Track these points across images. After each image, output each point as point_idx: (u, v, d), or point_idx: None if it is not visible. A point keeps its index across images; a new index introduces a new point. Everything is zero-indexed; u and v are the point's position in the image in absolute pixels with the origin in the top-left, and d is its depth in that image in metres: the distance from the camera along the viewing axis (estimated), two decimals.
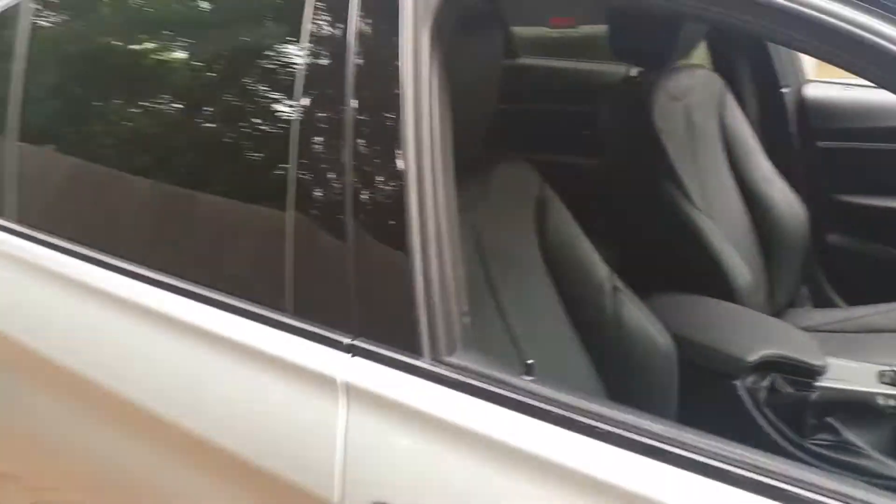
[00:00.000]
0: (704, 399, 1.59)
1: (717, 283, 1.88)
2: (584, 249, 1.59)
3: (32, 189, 1.46)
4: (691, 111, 2.12)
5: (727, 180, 2.19)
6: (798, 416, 1.61)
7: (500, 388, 0.92)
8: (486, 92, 1.40)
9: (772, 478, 0.77)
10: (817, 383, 1.65)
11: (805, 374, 1.66)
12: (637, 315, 1.57)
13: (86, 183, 1.44)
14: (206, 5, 1.38)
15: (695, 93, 2.14)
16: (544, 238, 1.59)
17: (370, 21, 1.03)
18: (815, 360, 1.67)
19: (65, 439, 1.31)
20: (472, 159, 1.51)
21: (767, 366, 1.65)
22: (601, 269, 1.59)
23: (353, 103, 1.02)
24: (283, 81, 1.12)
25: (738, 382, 1.63)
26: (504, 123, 1.85)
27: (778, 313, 2.17)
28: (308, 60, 1.07)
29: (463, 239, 1.35)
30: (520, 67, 2.58)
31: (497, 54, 1.43)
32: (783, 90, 2.33)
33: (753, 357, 1.62)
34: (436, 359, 0.96)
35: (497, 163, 1.57)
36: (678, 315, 1.70)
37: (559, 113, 2.40)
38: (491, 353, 1.00)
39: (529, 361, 0.96)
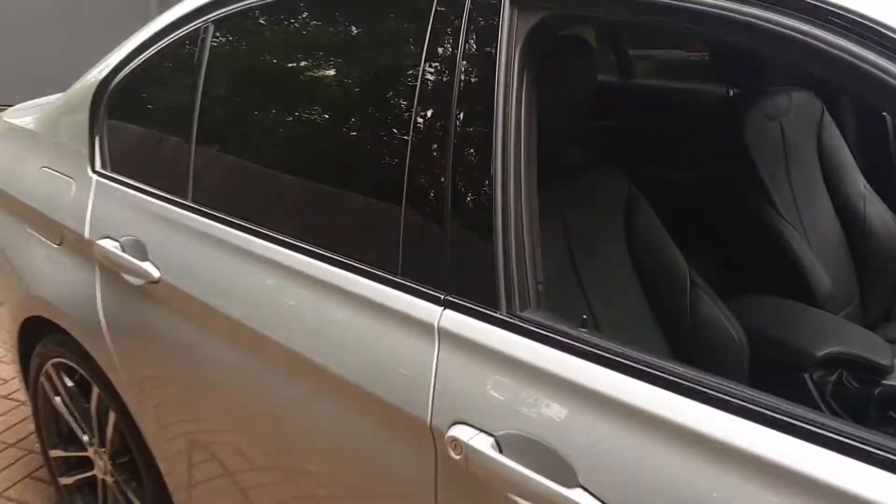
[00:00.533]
0: (772, 390, 1.78)
1: (797, 289, 2.03)
2: (668, 246, 1.79)
3: (202, 177, 1.80)
4: (787, 130, 2.28)
5: (821, 195, 2.32)
6: (862, 411, 1.75)
7: (560, 336, 1.16)
8: (575, 107, 1.64)
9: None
10: (884, 381, 1.78)
11: (872, 371, 1.80)
12: (712, 308, 1.76)
13: (243, 173, 1.77)
14: (343, 34, 1.68)
15: (791, 113, 2.30)
16: (631, 234, 1.81)
17: (475, 44, 1.29)
18: (883, 360, 1.80)
19: (224, 372, 1.63)
20: (566, 165, 1.76)
21: (836, 362, 1.79)
22: (682, 265, 1.78)
23: (458, 114, 1.28)
24: (403, 95, 1.39)
25: (805, 375, 1.79)
26: (610, 136, 2.07)
27: (870, 326, 2.28)
28: (425, 77, 1.34)
29: (549, 228, 1.60)
30: (631, 87, 2.79)
31: (585, 74, 1.67)
32: (884, 112, 2.44)
33: (821, 351, 1.78)
34: (510, 313, 1.21)
35: (591, 169, 1.80)
36: (755, 313, 1.87)
37: (663, 128, 2.60)
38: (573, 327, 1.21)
39: (584, 316, 1.19)
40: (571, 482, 1.09)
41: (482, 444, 1.17)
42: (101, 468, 2.23)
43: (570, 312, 1.31)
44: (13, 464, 2.88)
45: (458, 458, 1.19)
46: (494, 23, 1.26)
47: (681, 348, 1.77)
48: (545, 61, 1.31)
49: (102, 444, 2.18)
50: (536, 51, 1.27)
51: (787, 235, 2.03)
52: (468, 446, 1.17)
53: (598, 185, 1.78)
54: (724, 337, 1.74)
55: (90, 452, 2.26)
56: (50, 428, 2.41)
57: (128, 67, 2.01)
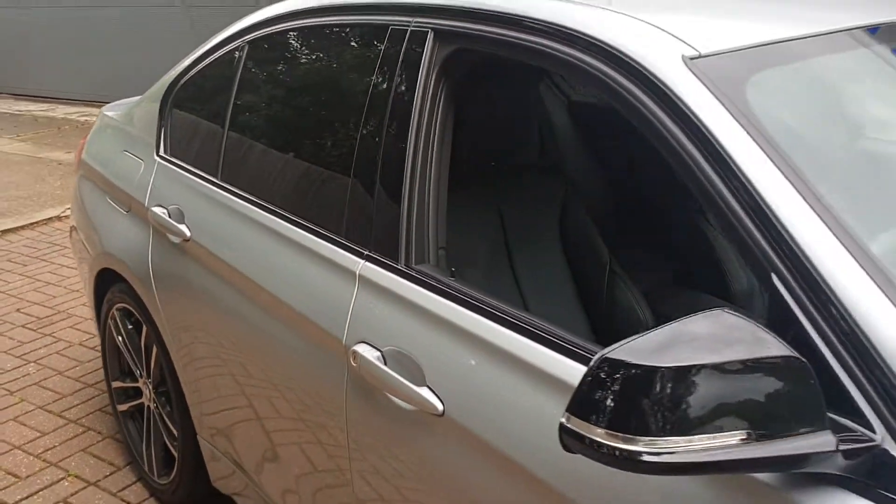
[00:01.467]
0: None
1: (717, 285, 2.34)
2: (594, 238, 2.17)
3: (228, 161, 2.29)
4: None
5: None
6: None
7: (436, 283, 1.57)
8: (506, 120, 2.05)
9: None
10: None
11: None
12: (625, 293, 2.12)
13: (255, 159, 2.25)
14: (326, 59, 2.14)
15: None
16: (564, 227, 2.20)
17: (406, 65, 1.72)
18: None
19: (227, 309, 2.11)
20: (508, 166, 2.17)
21: None
22: (604, 255, 2.16)
23: (389, 118, 1.72)
24: (358, 103, 1.83)
25: None
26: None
27: None
28: (373, 91, 1.78)
29: (485, 217, 2.02)
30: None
31: (509, 95, 2.08)
32: None
33: None
34: (407, 265, 1.63)
35: (531, 170, 2.20)
36: (669, 302, 2.21)
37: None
38: (498, 296, 1.58)
39: (452, 269, 1.61)
40: (421, 383, 1.50)
41: (371, 356, 1.60)
42: (147, 396, 2.75)
43: (498, 285, 1.71)
44: (89, 400, 3.46)
45: (355, 366, 1.63)
46: (420, 51, 1.70)
47: (597, 324, 2.14)
48: (468, 83, 1.74)
49: (149, 375, 2.70)
50: (451, 73, 1.70)
51: (710, 236, 2.32)
52: (362, 357, 1.61)
53: (536, 183, 2.18)
54: (632, 317, 2.10)
55: (140, 383, 2.79)
56: (113, 363, 2.96)
57: (187, 75, 2.55)
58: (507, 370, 1.39)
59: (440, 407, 1.46)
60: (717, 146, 1.21)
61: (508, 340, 1.40)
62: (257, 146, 2.25)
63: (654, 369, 0.96)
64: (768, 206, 1.14)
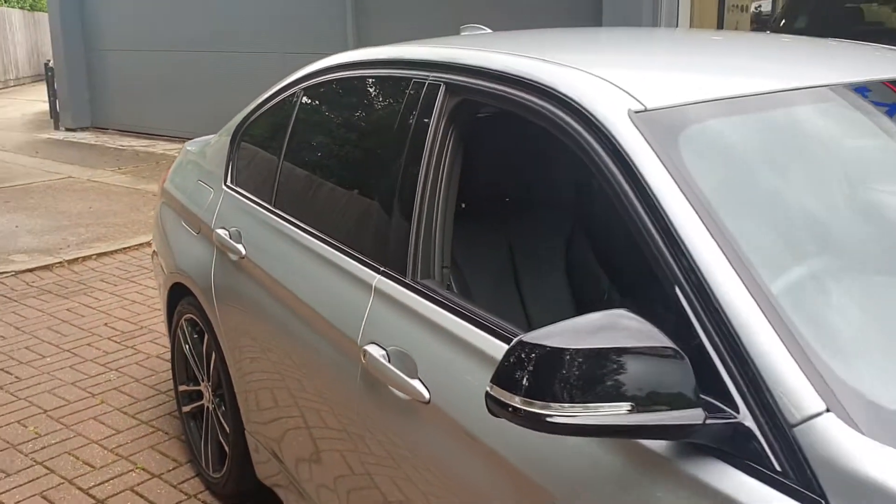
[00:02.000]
0: None
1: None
2: (594, 268, 2.43)
3: (282, 190, 2.63)
4: None
5: None
6: None
7: (434, 294, 1.86)
8: (508, 162, 2.34)
9: None
10: None
11: None
12: None
13: (302, 190, 2.59)
14: (364, 113, 2.48)
15: None
16: (569, 259, 2.46)
17: (420, 112, 2.03)
18: None
19: (273, 319, 2.44)
20: (513, 199, 2.46)
21: None
22: (604, 283, 2.41)
23: (405, 156, 2.03)
24: (383, 145, 2.16)
25: None
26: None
27: None
28: (395, 134, 2.10)
29: (495, 248, 2.31)
30: None
31: (505, 139, 2.37)
32: None
33: None
34: (413, 279, 1.93)
35: (537, 207, 2.48)
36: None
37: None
38: (504, 316, 1.84)
39: (449, 283, 1.89)
40: (413, 375, 1.79)
41: (377, 354, 1.89)
42: (207, 398, 3.10)
43: (505, 306, 1.98)
44: (160, 405, 3.84)
45: (364, 363, 1.92)
46: (433, 101, 2.01)
47: None
48: (476, 128, 2.05)
49: (209, 379, 3.05)
50: (459, 119, 2.00)
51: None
52: (370, 355, 1.90)
53: (543, 219, 2.46)
54: None
55: (202, 386, 3.15)
56: (180, 369, 3.33)
57: (253, 116, 2.93)
58: (481, 365, 1.66)
59: (427, 395, 1.74)
60: (647, 189, 1.46)
61: (485, 341, 1.68)
62: (303, 177, 2.60)
63: (562, 350, 1.22)
64: (679, 236, 1.39)
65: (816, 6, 7.88)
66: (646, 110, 1.59)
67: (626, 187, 1.49)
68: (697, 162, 1.54)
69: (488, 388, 1.28)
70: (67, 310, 5.13)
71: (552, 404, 1.22)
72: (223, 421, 2.96)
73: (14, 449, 3.48)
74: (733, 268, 1.34)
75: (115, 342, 4.60)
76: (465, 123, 2.01)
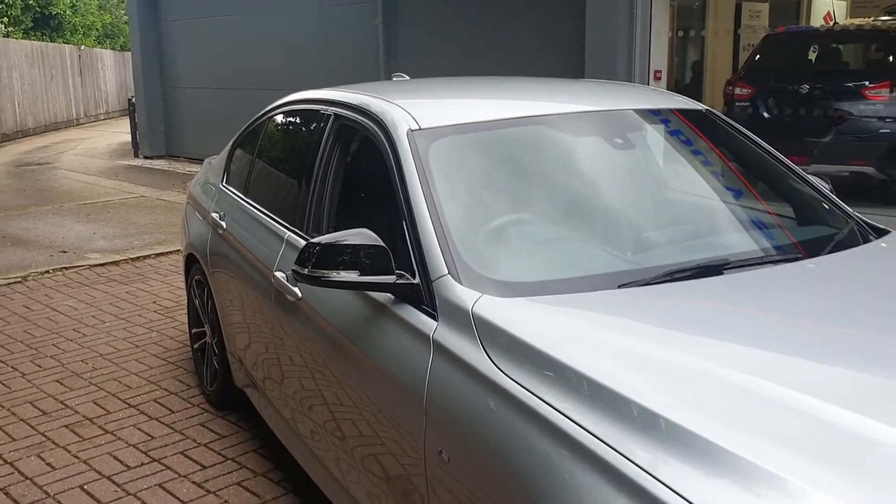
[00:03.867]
0: None
1: None
2: (370, 212, 3.62)
3: (251, 184, 3.91)
4: None
5: None
6: None
7: (307, 238, 3.09)
8: (358, 158, 3.59)
9: None
10: None
11: None
12: None
13: (265, 184, 3.86)
14: (295, 132, 3.74)
15: None
16: (368, 208, 3.67)
17: (321, 132, 3.28)
18: None
19: (244, 274, 3.71)
20: (363, 182, 3.68)
21: None
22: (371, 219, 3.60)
23: (315, 161, 3.28)
24: (305, 155, 3.41)
25: None
26: None
27: None
28: (311, 149, 3.35)
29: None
30: None
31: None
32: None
33: None
34: (308, 234, 3.16)
35: (366, 183, 3.71)
36: None
37: None
38: None
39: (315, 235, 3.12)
40: (295, 285, 3.01)
41: (280, 276, 3.12)
42: (208, 334, 4.38)
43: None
44: (183, 355, 5.15)
45: (274, 283, 3.16)
46: (327, 124, 3.26)
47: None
48: (348, 140, 3.29)
49: (207, 320, 4.33)
50: (339, 135, 3.24)
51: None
52: (276, 277, 3.14)
53: (365, 191, 3.67)
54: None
55: (206, 328, 4.43)
56: (192, 316, 4.63)
57: (243, 134, 4.24)
58: None
59: (299, 294, 2.96)
60: (403, 172, 2.65)
61: None
62: (260, 173, 3.88)
63: (328, 244, 2.43)
64: (410, 195, 2.57)
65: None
66: (419, 129, 2.80)
67: (395, 170, 2.70)
68: (436, 157, 2.73)
69: (294, 266, 2.50)
70: (126, 292, 6.52)
71: (323, 271, 2.43)
72: (215, 348, 4.23)
73: (77, 376, 4.81)
74: (430, 213, 2.52)
75: (159, 314, 5.95)
76: (342, 137, 3.24)
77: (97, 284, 6.79)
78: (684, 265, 2.42)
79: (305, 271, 2.44)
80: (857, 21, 11.26)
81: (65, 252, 7.94)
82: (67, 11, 28.11)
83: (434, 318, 2.28)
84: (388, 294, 2.47)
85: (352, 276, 2.42)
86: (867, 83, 7.72)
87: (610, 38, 8.12)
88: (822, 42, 8.88)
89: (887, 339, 2.10)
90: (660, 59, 8.37)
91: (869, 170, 7.87)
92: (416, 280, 2.41)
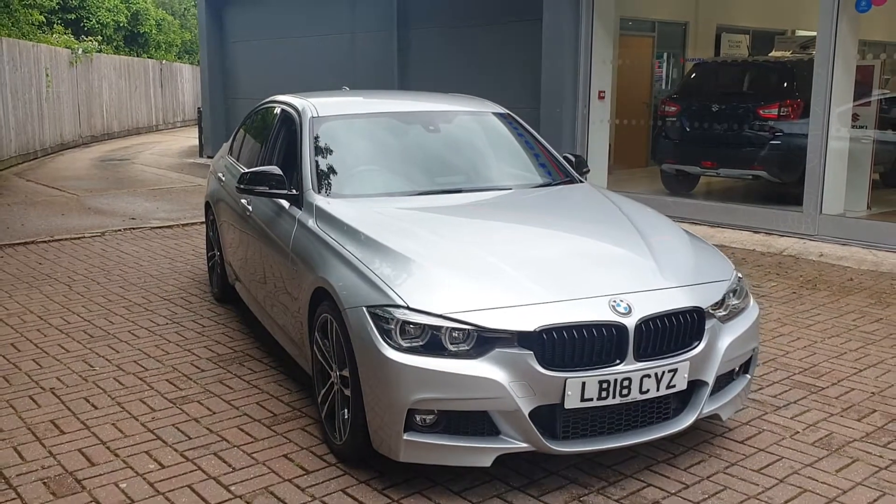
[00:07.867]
0: None
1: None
2: (283, 160, 5.86)
3: (241, 149, 6.20)
4: None
5: None
6: None
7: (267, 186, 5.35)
8: (289, 136, 5.86)
9: None
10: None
11: None
12: None
13: (245, 150, 6.14)
14: (264, 122, 5.99)
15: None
16: (283, 159, 5.92)
17: (274, 120, 5.53)
18: None
19: (226, 206, 6.01)
20: (290, 148, 5.96)
21: None
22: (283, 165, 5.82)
23: (271, 140, 5.53)
24: (268, 136, 5.68)
25: None
26: None
27: None
28: (273, 132, 5.61)
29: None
30: None
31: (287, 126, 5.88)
32: None
33: None
34: (269, 189, 5.43)
35: (288, 149, 5.97)
36: None
37: None
38: None
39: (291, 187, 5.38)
40: (249, 204, 5.26)
41: (244, 202, 5.39)
42: (217, 254, 6.66)
43: None
44: (205, 276, 7.46)
45: (244, 203, 5.43)
46: (278, 115, 5.53)
47: None
48: (289, 124, 5.57)
49: (219, 249, 6.62)
50: (284, 121, 5.49)
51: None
52: (241, 201, 5.41)
53: (285, 153, 5.93)
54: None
55: (216, 250, 6.71)
56: (209, 245, 6.94)
57: (243, 122, 6.54)
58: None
59: (250, 209, 5.20)
60: (301, 141, 4.88)
61: None
62: (247, 144, 6.16)
63: (254, 172, 4.67)
64: (302, 153, 4.80)
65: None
66: (318, 116, 5.04)
67: (300, 137, 4.93)
68: (322, 132, 4.96)
69: (236, 184, 4.76)
70: (174, 244, 8.90)
71: (251, 186, 4.68)
72: (220, 262, 6.51)
73: (133, 285, 7.15)
74: (309, 160, 4.73)
75: (194, 255, 8.29)
76: (282, 120, 5.47)
77: (154, 239, 9.19)
78: (437, 188, 4.61)
79: (242, 186, 4.70)
80: (762, 56, 13.34)
81: (133, 219, 10.40)
82: (153, 30, 31.29)
83: (300, 209, 4.52)
84: (285, 201, 4.69)
85: (266, 188, 4.66)
86: (761, 104, 9.69)
87: (559, 65, 10.26)
88: (732, 71, 10.86)
89: (524, 227, 4.27)
90: (603, 81, 10.46)
91: (763, 174, 9.82)
92: (297, 192, 4.64)
